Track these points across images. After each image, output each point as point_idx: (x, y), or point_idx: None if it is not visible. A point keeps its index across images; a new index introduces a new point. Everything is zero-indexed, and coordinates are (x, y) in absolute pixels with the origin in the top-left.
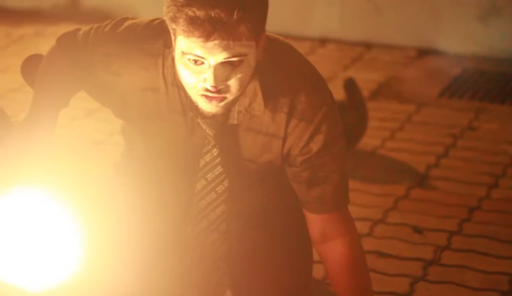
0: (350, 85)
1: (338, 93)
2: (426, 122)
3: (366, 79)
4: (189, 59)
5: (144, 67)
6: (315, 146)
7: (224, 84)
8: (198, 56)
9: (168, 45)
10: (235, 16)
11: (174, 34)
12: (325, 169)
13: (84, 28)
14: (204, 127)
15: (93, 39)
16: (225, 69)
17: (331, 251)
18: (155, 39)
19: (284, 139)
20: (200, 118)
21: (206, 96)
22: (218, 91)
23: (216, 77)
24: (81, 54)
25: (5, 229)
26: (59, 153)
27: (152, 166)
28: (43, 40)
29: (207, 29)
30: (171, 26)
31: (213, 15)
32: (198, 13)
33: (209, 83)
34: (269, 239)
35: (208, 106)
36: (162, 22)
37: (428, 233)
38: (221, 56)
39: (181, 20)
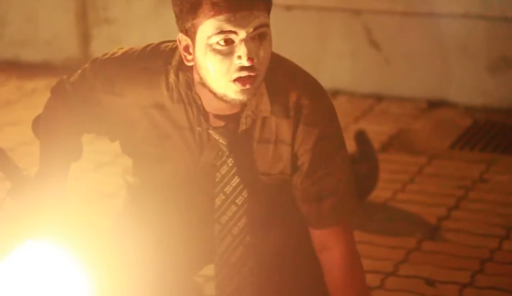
0: (361, 138)
1: (349, 145)
2: (437, 174)
3: (377, 131)
4: (217, 42)
5: (147, 86)
6: (319, 151)
7: (257, 58)
8: (229, 31)
9: (169, 62)
10: None
11: (193, 31)
12: (332, 180)
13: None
14: (217, 137)
15: (92, 69)
16: (254, 44)
17: (327, 260)
18: (155, 57)
19: (292, 145)
20: (211, 129)
21: (240, 79)
22: (252, 68)
23: (249, 49)
24: (80, 89)
25: (18, 281)
26: (71, 206)
27: (164, 195)
28: None
29: (234, 1)
30: (187, 23)
31: None
32: None
33: (244, 57)
34: (297, 250)
35: (240, 92)
36: (158, 44)
37: (440, 285)
38: (251, 26)
39: (204, 2)
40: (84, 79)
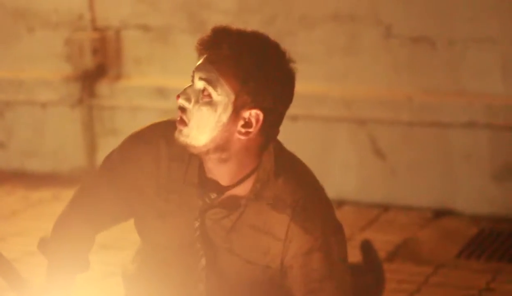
0: (366, 247)
1: (355, 255)
2: (444, 283)
3: (383, 240)
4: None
5: (172, 135)
6: (313, 263)
7: (188, 105)
8: (193, 71)
9: None
10: (233, 51)
11: None
12: (325, 294)
13: None
14: (197, 197)
15: (118, 150)
16: (196, 93)
17: None
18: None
19: (284, 242)
20: (197, 188)
21: (178, 119)
22: (182, 109)
23: (185, 90)
24: (100, 171)
25: None
26: None
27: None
28: (61, 204)
29: (207, 40)
30: None
31: (218, 40)
32: (209, 32)
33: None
34: None
35: (176, 131)
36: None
37: None
38: (200, 74)
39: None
40: (103, 163)
